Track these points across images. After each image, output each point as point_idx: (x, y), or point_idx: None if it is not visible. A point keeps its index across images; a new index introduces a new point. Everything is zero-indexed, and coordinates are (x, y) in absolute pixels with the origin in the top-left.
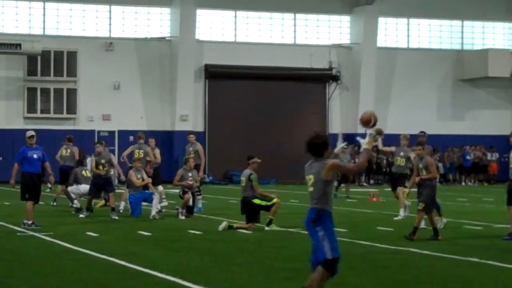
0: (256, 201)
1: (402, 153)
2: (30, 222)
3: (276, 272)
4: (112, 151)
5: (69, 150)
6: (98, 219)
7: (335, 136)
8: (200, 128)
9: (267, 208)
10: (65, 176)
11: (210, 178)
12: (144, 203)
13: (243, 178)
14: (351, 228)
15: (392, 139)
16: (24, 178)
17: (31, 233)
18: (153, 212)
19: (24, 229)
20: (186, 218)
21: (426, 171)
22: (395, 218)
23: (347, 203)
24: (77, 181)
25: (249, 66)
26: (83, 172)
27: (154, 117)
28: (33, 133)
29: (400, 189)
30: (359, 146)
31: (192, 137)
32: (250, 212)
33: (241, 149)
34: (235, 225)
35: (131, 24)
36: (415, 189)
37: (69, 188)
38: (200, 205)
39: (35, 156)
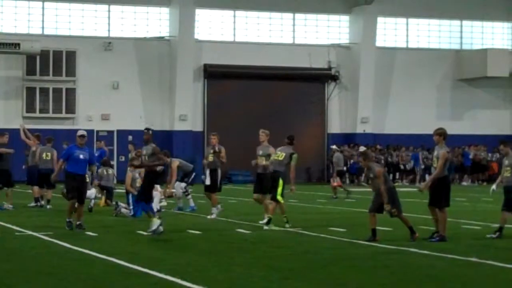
0: (281, 182)
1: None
2: (69, 220)
3: (275, 272)
4: (111, 151)
5: (49, 153)
6: (97, 218)
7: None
8: (199, 128)
9: (275, 196)
10: (43, 178)
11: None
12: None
13: (282, 154)
14: (351, 228)
15: (391, 139)
16: (67, 178)
17: (30, 232)
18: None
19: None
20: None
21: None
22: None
23: (346, 203)
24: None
25: (248, 66)
26: None
27: (153, 116)
28: (84, 132)
29: None
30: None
31: (214, 139)
32: (267, 186)
33: (240, 149)
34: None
35: (130, 24)
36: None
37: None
38: (192, 204)
39: (81, 156)
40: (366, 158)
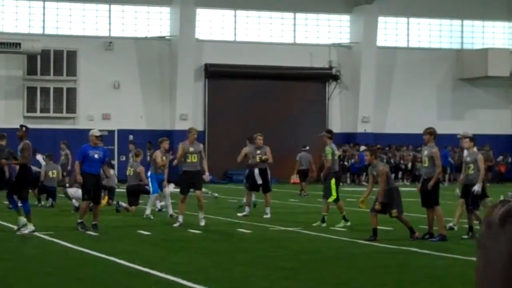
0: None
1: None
2: (79, 221)
3: (276, 271)
4: (112, 151)
5: (54, 171)
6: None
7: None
8: (200, 127)
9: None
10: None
11: (210, 177)
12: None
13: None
14: (351, 227)
15: (392, 138)
16: (83, 178)
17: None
18: (148, 211)
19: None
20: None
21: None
22: None
23: (346, 202)
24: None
25: (249, 66)
26: None
27: (154, 116)
28: (99, 132)
29: None
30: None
31: (261, 140)
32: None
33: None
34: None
35: (131, 24)
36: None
37: (69, 190)
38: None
39: (96, 156)
40: (373, 154)
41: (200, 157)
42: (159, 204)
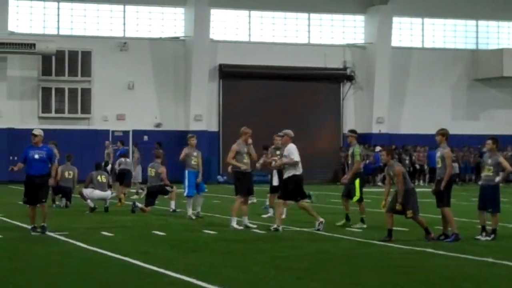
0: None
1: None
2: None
3: (290, 271)
4: (127, 151)
5: (71, 172)
6: (113, 219)
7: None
8: (214, 128)
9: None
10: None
11: (224, 178)
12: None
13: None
14: (366, 228)
15: (407, 139)
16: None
17: (46, 232)
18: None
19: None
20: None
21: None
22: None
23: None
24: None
25: (263, 66)
26: (99, 177)
27: (168, 116)
28: (38, 131)
29: None
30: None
31: (278, 140)
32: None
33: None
34: None
35: (145, 24)
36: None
37: (84, 190)
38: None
39: (36, 156)
40: (389, 154)
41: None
42: (173, 205)
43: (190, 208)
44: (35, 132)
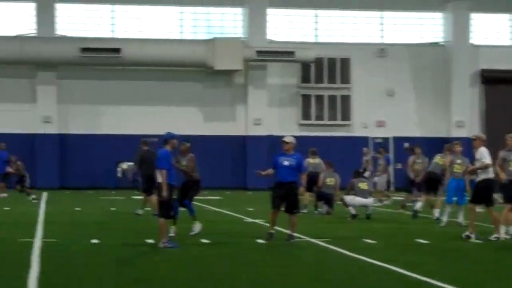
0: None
1: None
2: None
3: None
4: (387, 158)
5: (332, 179)
6: (375, 226)
7: None
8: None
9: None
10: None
11: None
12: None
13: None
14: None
15: None
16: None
17: (308, 239)
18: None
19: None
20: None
21: None
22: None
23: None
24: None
25: None
26: (360, 184)
27: (428, 123)
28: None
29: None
30: None
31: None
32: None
33: None
34: None
35: (403, 30)
36: None
37: (345, 197)
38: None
39: (285, 163)
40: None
41: None
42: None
43: (460, 216)
44: (286, 139)
